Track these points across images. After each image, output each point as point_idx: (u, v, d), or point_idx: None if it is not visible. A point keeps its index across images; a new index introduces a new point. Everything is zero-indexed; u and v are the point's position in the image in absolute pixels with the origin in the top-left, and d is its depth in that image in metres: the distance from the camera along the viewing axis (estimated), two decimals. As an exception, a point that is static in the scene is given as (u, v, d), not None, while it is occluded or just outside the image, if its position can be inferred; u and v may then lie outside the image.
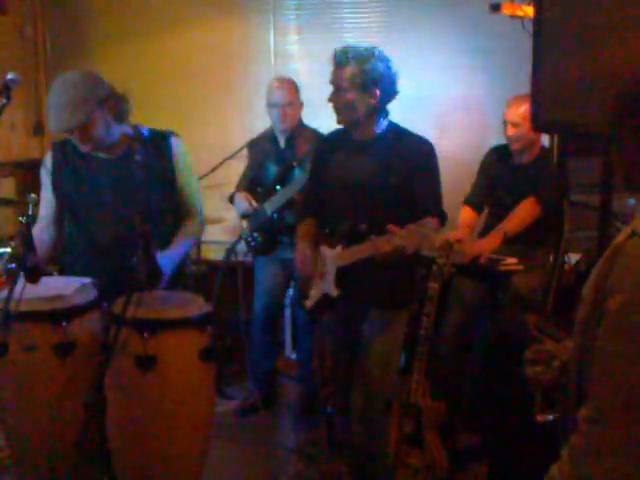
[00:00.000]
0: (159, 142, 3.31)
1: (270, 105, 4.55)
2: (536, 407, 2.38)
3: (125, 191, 3.21)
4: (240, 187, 4.69)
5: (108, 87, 3.18)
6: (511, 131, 4.19)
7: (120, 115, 3.23)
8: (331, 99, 3.27)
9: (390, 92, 3.24)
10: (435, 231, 2.92)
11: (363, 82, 3.17)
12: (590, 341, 1.74)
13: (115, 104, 3.19)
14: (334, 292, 3.27)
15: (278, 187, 4.45)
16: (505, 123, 4.22)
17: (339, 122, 3.34)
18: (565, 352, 2.11)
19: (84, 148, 3.24)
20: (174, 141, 3.35)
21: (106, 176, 3.27)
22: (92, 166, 3.28)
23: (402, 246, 2.87)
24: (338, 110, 3.28)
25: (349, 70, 3.18)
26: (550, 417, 2.31)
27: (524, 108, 4.11)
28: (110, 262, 3.22)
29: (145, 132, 3.31)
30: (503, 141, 4.32)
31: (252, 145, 4.76)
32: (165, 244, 3.26)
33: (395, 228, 2.90)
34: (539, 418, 2.38)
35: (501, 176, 4.35)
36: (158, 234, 3.15)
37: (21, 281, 2.69)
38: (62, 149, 3.35)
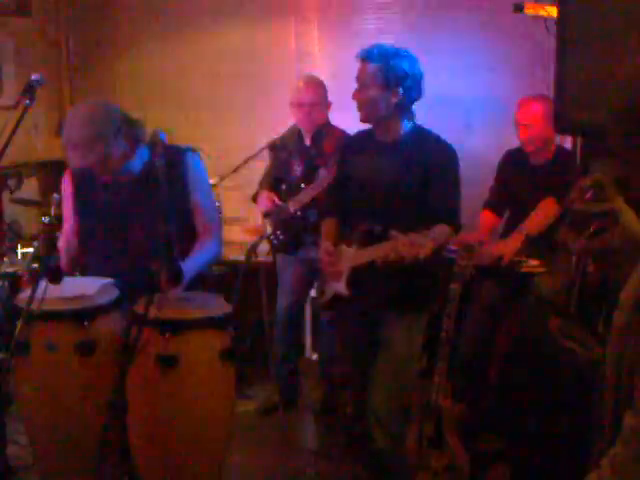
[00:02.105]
0: (174, 158, 3.26)
1: (296, 104, 4.55)
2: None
3: (145, 210, 3.21)
4: (263, 185, 4.70)
5: (121, 115, 3.18)
6: (524, 133, 4.16)
7: (136, 140, 3.22)
8: (354, 95, 3.27)
9: (414, 92, 3.23)
10: (430, 241, 2.89)
11: (386, 79, 3.17)
12: (631, 348, 1.70)
13: (130, 131, 3.18)
14: (345, 291, 3.27)
15: (302, 186, 4.46)
16: (517, 125, 4.20)
17: (362, 120, 3.34)
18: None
19: (104, 178, 3.26)
20: (190, 157, 3.32)
21: (126, 199, 3.28)
22: (112, 190, 3.29)
23: (401, 255, 2.86)
24: (360, 107, 3.28)
25: (373, 66, 3.18)
26: None
27: (535, 109, 4.10)
28: (130, 269, 3.22)
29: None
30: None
31: (276, 144, 4.76)
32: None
33: (397, 234, 2.89)
34: None
35: (519, 178, 4.33)
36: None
37: (43, 281, 2.70)
38: (81, 172, 3.34)
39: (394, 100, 3.21)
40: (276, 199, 4.54)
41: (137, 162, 3.27)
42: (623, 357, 1.75)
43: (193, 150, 3.38)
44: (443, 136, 3.34)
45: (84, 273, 3.46)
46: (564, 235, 2.10)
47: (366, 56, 3.22)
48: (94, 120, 3.11)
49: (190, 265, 3.16)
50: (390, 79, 3.17)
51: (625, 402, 1.72)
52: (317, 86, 4.58)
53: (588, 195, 2.00)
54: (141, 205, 3.23)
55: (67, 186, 3.42)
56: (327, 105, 4.59)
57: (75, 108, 3.23)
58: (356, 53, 3.27)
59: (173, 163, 3.23)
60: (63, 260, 3.44)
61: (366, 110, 3.27)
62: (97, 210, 3.34)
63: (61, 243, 3.44)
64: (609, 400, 1.81)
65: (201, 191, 3.35)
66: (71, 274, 3.42)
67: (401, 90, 3.19)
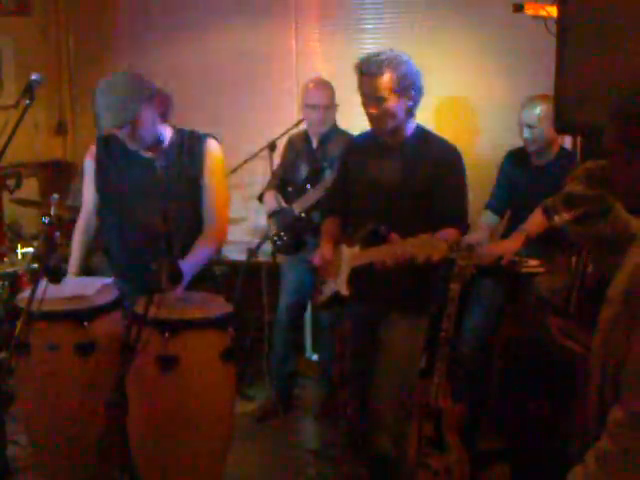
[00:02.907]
0: (195, 143, 3.33)
1: (307, 107, 4.55)
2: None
3: (157, 192, 3.22)
4: (270, 186, 4.71)
5: (153, 85, 3.24)
6: (527, 133, 4.17)
7: (164, 113, 3.31)
8: (371, 109, 3.21)
9: (421, 93, 3.24)
10: (445, 242, 2.89)
11: (402, 88, 3.17)
12: (617, 343, 1.71)
13: (161, 102, 3.26)
14: (345, 291, 3.26)
15: (308, 187, 4.46)
16: (521, 125, 4.20)
17: (378, 133, 3.30)
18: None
19: (132, 146, 3.27)
20: (209, 142, 3.35)
21: (145, 176, 3.29)
22: (134, 165, 3.31)
23: (413, 255, 2.85)
24: (379, 119, 3.22)
25: (386, 78, 3.15)
26: None
27: (539, 109, 4.11)
28: (140, 261, 3.22)
29: (185, 133, 3.37)
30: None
31: (285, 144, 4.78)
32: (185, 248, 3.25)
33: (396, 238, 2.89)
34: None
35: (521, 179, 4.33)
36: (180, 236, 3.16)
37: (43, 281, 2.70)
38: (106, 144, 3.40)
39: (409, 105, 3.21)
40: (282, 200, 4.55)
41: (162, 139, 3.32)
42: (609, 353, 1.76)
43: (213, 136, 3.41)
44: (445, 137, 3.34)
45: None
46: (552, 207, 2.11)
47: (374, 70, 3.17)
48: (127, 84, 3.18)
49: (190, 264, 3.16)
50: (405, 87, 3.16)
51: (610, 397, 1.73)
52: (327, 88, 4.59)
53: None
54: (155, 187, 3.24)
55: (89, 164, 3.45)
56: (335, 107, 4.60)
57: (107, 76, 3.27)
58: (363, 62, 3.21)
59: (193, 148, 3.31)
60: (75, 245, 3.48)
61: (385, 122, 3.22)
62: (116, 187, 3.36)
63: (80, 220, 3.49)
64: (594, 395, 1.82)
65: (215, 176, 3.37)
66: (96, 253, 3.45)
67: (413, 92, 3.20)
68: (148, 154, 3.31)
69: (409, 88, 3.18)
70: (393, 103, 3.19)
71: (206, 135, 3.38)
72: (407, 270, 2.95)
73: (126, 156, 3.33)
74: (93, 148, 3.45)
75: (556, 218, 2.15)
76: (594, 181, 2.11)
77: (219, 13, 5.86)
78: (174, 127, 3.39)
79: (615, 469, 1.67)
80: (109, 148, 3.39)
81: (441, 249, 2.84)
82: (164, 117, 3.33)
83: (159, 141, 3.29)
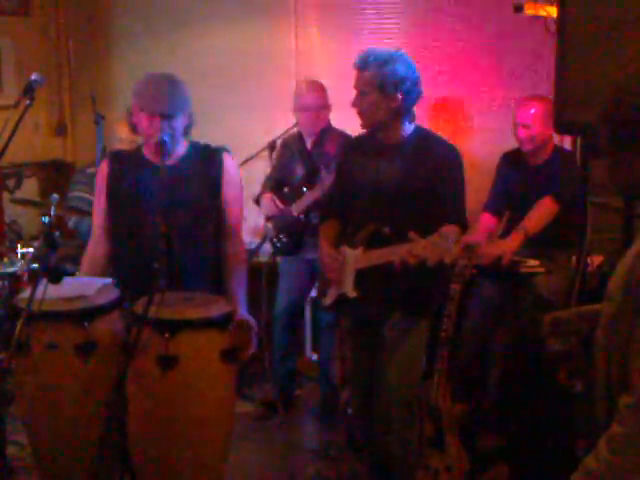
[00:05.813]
0: (211, 155, 3.37)
1: (300, 109, 4.54)
2: (560, 375, 2.36)
3: (169, 203, 3.21)
4: (266, 188, 4.70)
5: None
6: (522, 133, 4.17)
7: (187, 130, 3.34)
8: (354, 103, 3.26)
9: (413, 94, 3.23)
10: (456, 245, 2.89)
11: (383, 85, 3.17)
12: (622, 334, 1.73)
13: (189, 117, 3.31)
14: (352, 294, 3.26)
15: (305, 189, 4.46)
16: (515, 125, 4.20)
17: (363, 126, 3.33)
18: (585, 324, 2.11)
19: (150, 154, 3.30)
20: (225, 157, 3.38)
21: (157, 182, 3.28)
22: (148, 173, 3.30)
23: (424, 258, 2.85)
24: (361, 114, 3.27)
25: (369, 73, 3.18)
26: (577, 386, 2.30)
27: (534, 109, 4.11)
28: (143, 263, 3.20)
29: (199, 146, 3.41)
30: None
31: (279, 146, 4.77)
32: (203, 258, 3.32)
33: (416, 236, 2.89)
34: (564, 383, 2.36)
35: (517, 179, 4.34)
36: (194, 244, 3.26)
37: (43, 281, 2.70)
38: (119, 158, 3.43)
39: (394, 105, 3.21)
40: (279, 203, 4.55)
41: (177, 151, 3.33)
42: (614, 346, 1.77)
43: (227, 150, 3.43)
44: (443, 137, 3.34)
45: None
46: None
47: (361, 64, 3.21)
48: (178, 83, 3.29)
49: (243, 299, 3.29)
50: (387, 85, 3.17)
51: (617, 387, 1.75)
52: (321, 89, 4.59)
53: None
54: (167, 197, 3.22)
55: (102, 176, 3.42)
56: (329, 108, 4.60)
57: (156, 73, 3.36)
58: (355, 57, 3.26)
59: (210, 162, 3.34)
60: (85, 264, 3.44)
61: (366, 117, 3.27)
62: (127, 195, 3.34)
63: (90, 245, 3.46)
64: (601, 387, 1.84)
65: (233, 191, 3.39)
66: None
67: (400, 95, 3.19)
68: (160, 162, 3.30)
69: (393, 88, 3.18)
70: (373, 99, 3.20)
71: (222, 149, 3.41)
72: (413, 270, 2.95)
73: (141, 167, 3.34)
74: (105, 164, 3.43)
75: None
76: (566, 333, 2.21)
77: (219, 13, 5.86)
78: (190, 142, 3.41)
79: (626, 454, 1.69)
80: (123, 161, 3.41)
81: (453, 252, 2.84)
82: (186, 132, 3.35)
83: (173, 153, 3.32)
